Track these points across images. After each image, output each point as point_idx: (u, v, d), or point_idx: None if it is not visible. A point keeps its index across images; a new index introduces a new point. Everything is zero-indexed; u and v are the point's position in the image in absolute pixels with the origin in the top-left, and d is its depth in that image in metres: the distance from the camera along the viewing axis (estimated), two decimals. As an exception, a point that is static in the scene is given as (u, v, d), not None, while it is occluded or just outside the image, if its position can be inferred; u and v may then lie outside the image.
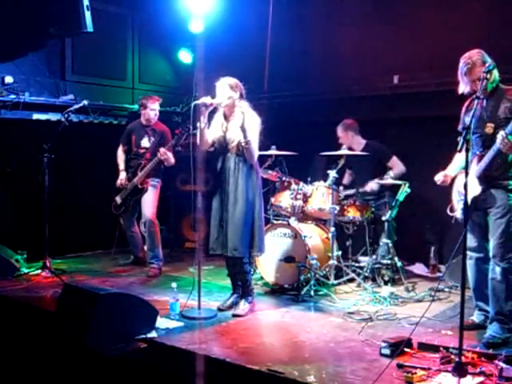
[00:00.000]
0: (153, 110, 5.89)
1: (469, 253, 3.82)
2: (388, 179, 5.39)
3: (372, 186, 5.68)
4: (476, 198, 3.71)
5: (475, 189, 3.72)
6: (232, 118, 4.43)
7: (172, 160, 5.73)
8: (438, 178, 4.07)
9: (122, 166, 6.05)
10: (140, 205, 5.86)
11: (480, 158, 3.72)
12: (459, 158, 3.98)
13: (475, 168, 3.75)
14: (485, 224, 3.82)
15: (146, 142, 5.91)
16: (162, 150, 5.61)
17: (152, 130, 5.94)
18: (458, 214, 3.95)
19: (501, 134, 3.53)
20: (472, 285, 4.01)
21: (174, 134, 5.68)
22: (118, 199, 5.96)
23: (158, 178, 5.90)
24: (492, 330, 3.76)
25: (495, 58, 3.70)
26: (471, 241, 3.86)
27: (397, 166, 5.66)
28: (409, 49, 5.97)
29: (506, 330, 3.73)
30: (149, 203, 5.81)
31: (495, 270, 3.74)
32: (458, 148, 3.17)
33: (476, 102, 3.36)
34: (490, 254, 3.77)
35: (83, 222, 6.63)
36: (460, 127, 4.03)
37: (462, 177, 3.87)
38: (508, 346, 3.62)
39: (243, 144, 4.30)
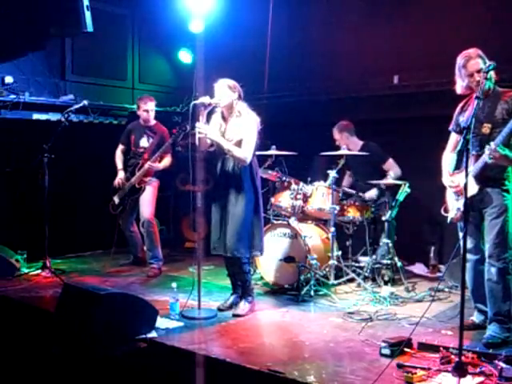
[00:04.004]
0: (145, 110, 5.87)
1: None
2: (388, 179, 5.39)
3: (371, 194, 5.66)
4: (472, 198, 3.69)
5: (472, 188, 3.70)
6: (230, 119, 4.43)
7: (160, 167, 5.81)
8: (452, 184, 3.93)
9: (120, 165, 6.05)
10: (138, 205, 5.87)
11: (476, 158, 3.70)
12: (449, 159, 3.98)
13: (471, 168, 3.73)
14: (480, 225, 3.81)
15: (144, 142, 5.92)
16: (148, 163, 5.72)
17: (151, 130, 5.94)
18: (452, 214, 3.93)
19: (487, 148, 3.52)
20: (470, 287, 4.00)
21: (171, 134, 5.69)
22: (116, 199, 5.96)
23: (155, 177, 5.90)
24: (491, 330, 3.76)
25: (495, 57, 3.68)
26: (467, 243, 3.84)
27: (392, 168, 5.63)
28: (409, 49, 5.97)
29: (505, 329, 3.73)
30: (147, 203, 5.81)
31: (491, 271, 3.73)
32: (458, 148, 3.16)
33: (476, 102, 3.35)
34: (486, 255, 3.76)
35: (83, 222, 6.63)
36: (451, 127, 4.03)
37: (457, 177, 3.88)
38: (508, 345, 3.62)
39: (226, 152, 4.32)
